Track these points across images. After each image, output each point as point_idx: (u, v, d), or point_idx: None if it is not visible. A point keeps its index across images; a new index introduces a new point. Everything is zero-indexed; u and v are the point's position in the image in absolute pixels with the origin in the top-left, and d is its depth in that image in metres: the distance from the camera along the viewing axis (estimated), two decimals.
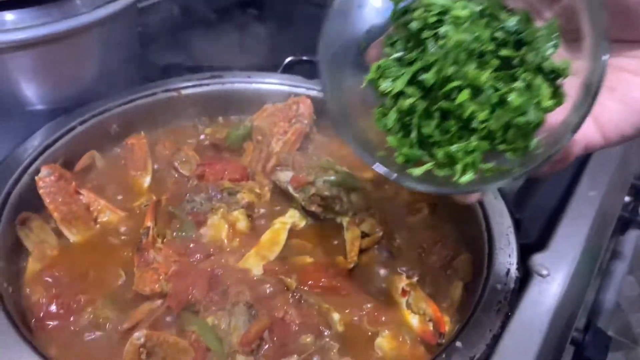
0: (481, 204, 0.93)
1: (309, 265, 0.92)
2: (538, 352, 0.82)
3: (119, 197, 1.00)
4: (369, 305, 0.86)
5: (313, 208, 1.00)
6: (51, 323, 0.80)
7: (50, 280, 0.85)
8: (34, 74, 0.99)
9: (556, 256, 0.95)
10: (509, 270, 0.82)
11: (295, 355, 0.77)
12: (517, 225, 0.92)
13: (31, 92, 1.01)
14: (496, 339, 0.74)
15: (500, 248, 0.85)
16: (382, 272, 0.92)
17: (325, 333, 0.81)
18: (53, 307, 0.81)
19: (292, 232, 0.98)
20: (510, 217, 0.91)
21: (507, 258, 0.84)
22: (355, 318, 0.84)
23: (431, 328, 0.82)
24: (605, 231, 1.02)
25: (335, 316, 0.83)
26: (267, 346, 0.78)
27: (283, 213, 1.01)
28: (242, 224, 0.96)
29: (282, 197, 1.05)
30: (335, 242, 0.97)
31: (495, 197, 0.94)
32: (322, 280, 0.89)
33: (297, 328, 0.81)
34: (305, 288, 0.87)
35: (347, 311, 0.85)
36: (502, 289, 0.79)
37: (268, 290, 0.87)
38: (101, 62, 1.08)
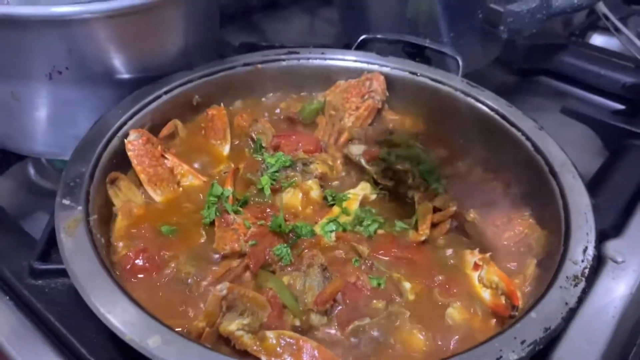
0: (558, 182, 0.92)
1: (380, 236, 0.93)
2: (610, 338, 0.81)
3: (200, 164, 1.04)
4: (440, 277, 0.86)
5: (385, 181, 1.01)
6: (137, 275, 0.85)
7: (136, 236, 0.90)
8: (122, 43, 1.03)
9: (632, 243, 0.92)
10: (586, 247, 0.81)
11: (368, 318, 0.79)
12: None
13: (119, 61, 1.05)
14: (572, 312, 0.73)
15: (579, 226, 0.84)
16: (454, 246, 0.92)
17: (397, 300, 0.83)
18: (139, 261, 0.86)
19: (363, 204, 0.99)
20: (588, 197, 0.89)
21: (585, 236, 0.83)
22: (426, 289, 0.85)
23: (503, 301, 0.82)
24: None
25: (406, 285, 0.84)
26: (340, 307, 0.80)
27: (354, 185, 1.03)
28: (316, 192, 0.99)
29: (354, 169, 1.06)
30: (406, 215, 0.98)
31: (574, 176, 0.92)
32: (393, 250, 0.90)
33: (369, 293, 0.83)
34: (377, 256, 0.89)
35: (417, 282, 0.86)
36: (579, 265, 0.78)
37: (340, 257, 0.89)
38: (185, 36, 1.12)
